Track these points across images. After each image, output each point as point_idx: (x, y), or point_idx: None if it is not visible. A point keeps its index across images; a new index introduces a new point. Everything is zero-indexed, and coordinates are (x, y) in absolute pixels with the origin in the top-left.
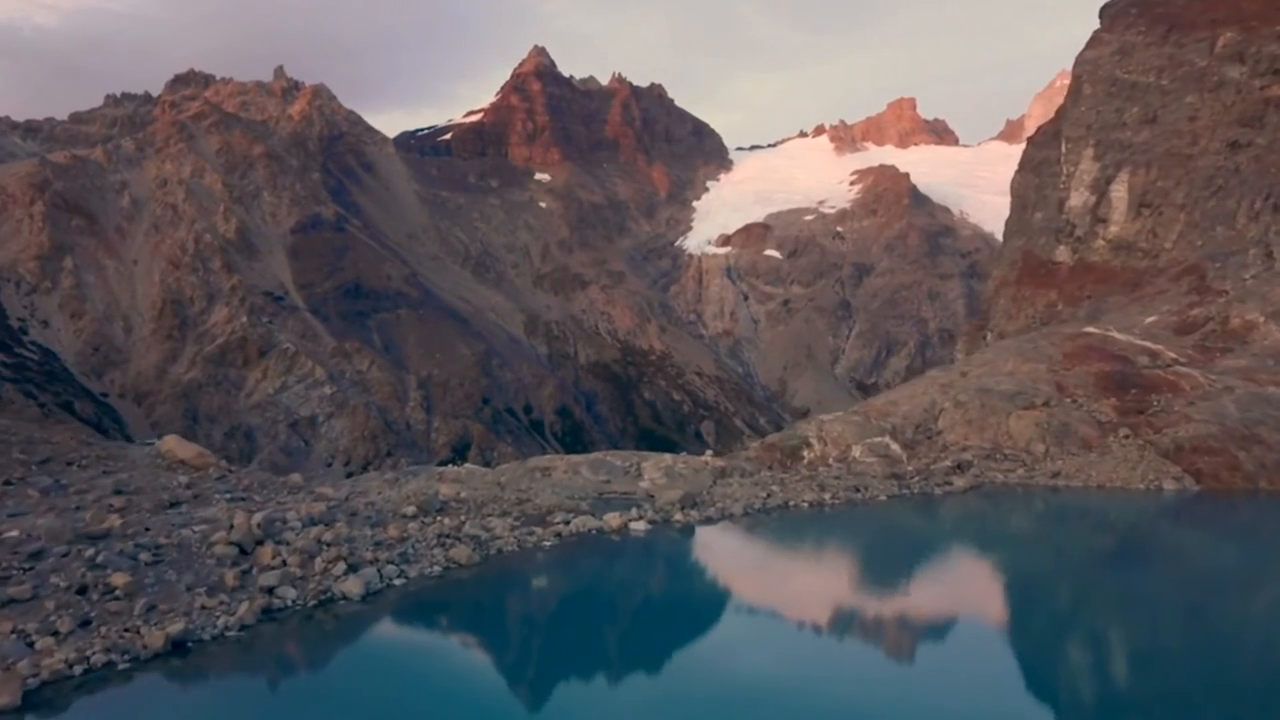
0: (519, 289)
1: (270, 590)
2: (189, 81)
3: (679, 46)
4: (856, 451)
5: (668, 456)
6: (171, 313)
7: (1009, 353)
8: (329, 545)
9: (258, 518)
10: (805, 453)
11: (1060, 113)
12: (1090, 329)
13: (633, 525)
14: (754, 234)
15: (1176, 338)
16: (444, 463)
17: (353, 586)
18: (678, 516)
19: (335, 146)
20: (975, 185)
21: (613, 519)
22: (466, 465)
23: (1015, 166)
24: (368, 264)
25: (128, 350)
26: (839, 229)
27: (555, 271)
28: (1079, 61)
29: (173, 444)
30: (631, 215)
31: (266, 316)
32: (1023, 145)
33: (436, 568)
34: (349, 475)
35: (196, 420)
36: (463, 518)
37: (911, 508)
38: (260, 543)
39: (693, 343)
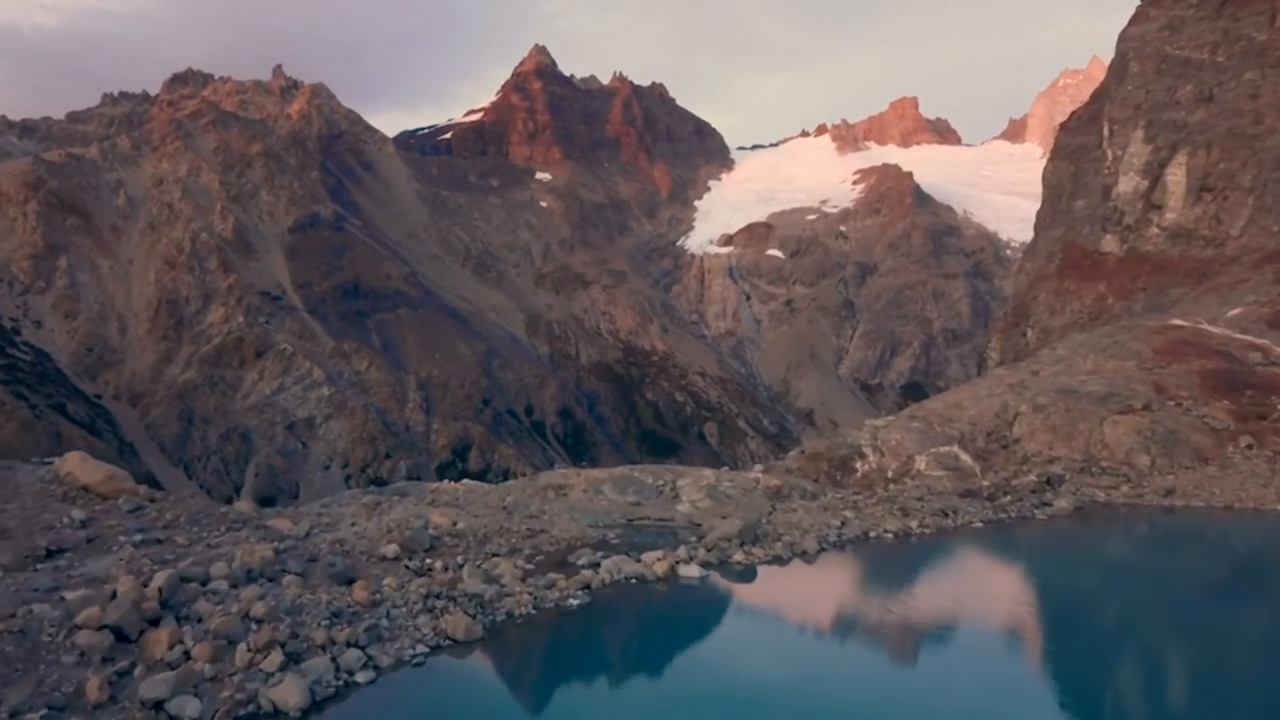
0: (520, 289)
1: (157, 707)
2: (187, 80)
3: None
4: (920, 463)
5: (708, 473)
6: (167, 313)
7: (1085, 348)
8: (261, 623)
9: (160, 578)
10: (858, 464)
11: (1099, 95)
12: (1178, 321)
13: (683, 570)
14: (756, 233)
15: (1272, 331)
16: (443, 466)
17: (290, 692)
18: (737, 556)
19: (334, 145)
20: (979, 185)
21: (655, 561)
22: (465, 481)
23: (1019, 166)
24: (367, 263)
25: (122, 351)
26: (842, 228)
27: (556, 271)
28: (1124, 38)
29: (74, 464)
30: (633, 214)
31: (264, 317)
32: (1025, 144)
33: (421, 649)
34: (347, 478)
35: (192, 422)
36: (460, 559)
37: (1016, 538)
38: (155, 622)
39: (695, 343)
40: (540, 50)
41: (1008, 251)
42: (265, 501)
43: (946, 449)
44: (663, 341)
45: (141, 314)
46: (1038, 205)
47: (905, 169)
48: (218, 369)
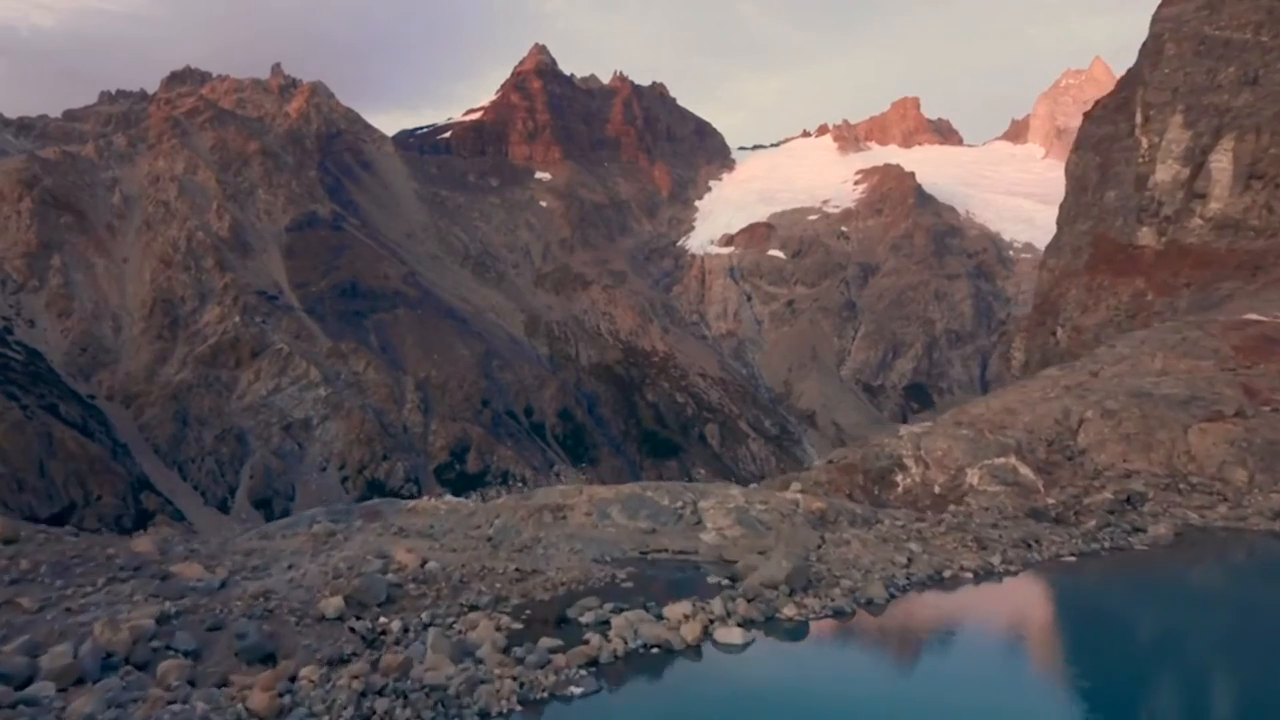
0: (519, 289)
1: None
2: (185, 79)
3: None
4: (973, 477)
5: (734, 491)
6: (162, 312)
7: (1150, 346)
8: None
9: None
10: (899, 478)
11: (1128, 80)
12: (1255, 316)
13: (720, 634)
14: (757, 234)
15: None
16: (442, 468)
17: None
18: (788, 610)
19: (333, 144)
20: (980, 185)
21: (683, 620)
22: (448, 498)
23: (1021, 166)
24: (365, 263)
25: (117, 351)
26: (843, 229)
27: (556, 271)
28: (1158, 19)
29: None
30: (633, 214)
31: (260, 316)
32: (1027, 144)
33: None
34: (344, 480)
35: (187, 423)
36: (425, 616)
37: (1124, 577)
38: None
39: (696, 344)
40: (540, 49)
41: (1010, 252)
42: (260, 504)
43: (1002, 460)
44: (663, 342)
45: (136, 313)
46: (1040, 206)
47: (907, 169)
48: (213, 369)
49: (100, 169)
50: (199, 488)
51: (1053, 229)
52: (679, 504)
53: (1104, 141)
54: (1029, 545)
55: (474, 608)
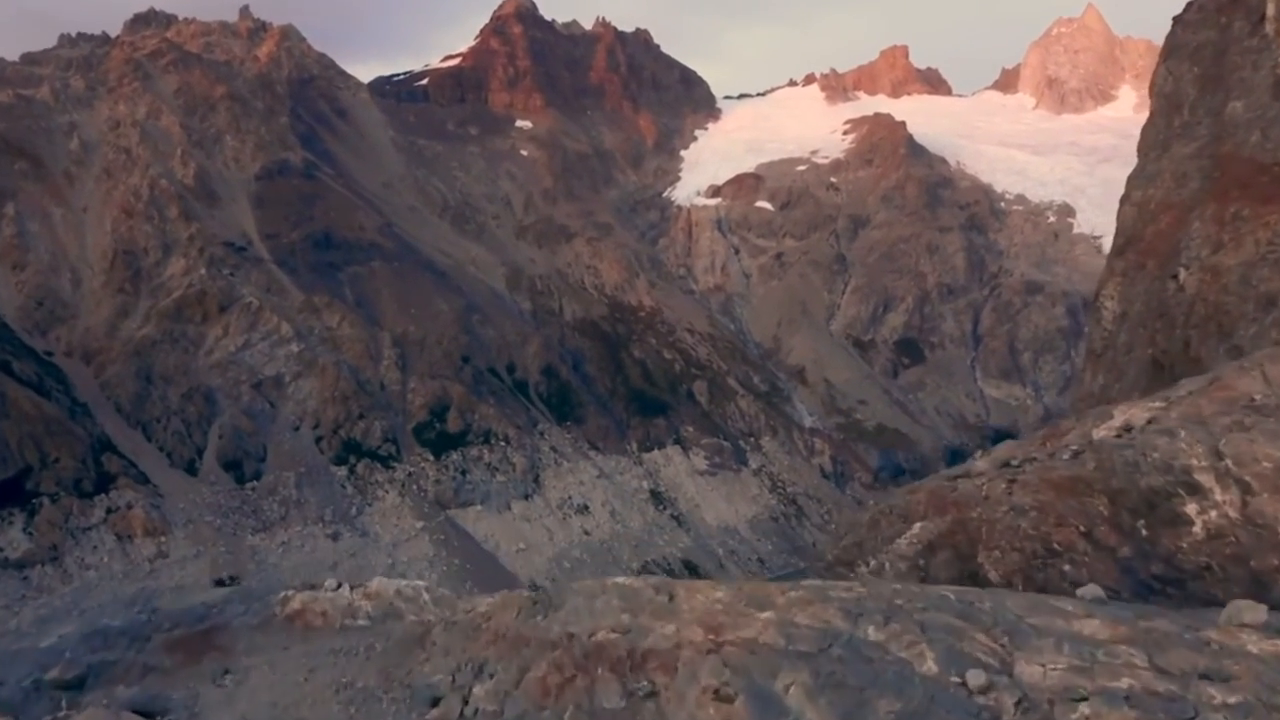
0: (501, 241)
1: None
2: (149, 22)
3: None
4: None
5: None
6: (124, 264)
7: None
8: None
9: None
10: (1189, 508)
11: None
12: None
13: None
14: (745, 185)
15: None
16: (420, 427)
17: None
18: None
19: (305, 91)
20: (972, 135)
21: None
22: (377, 582)
23: (1012, 117)
24: (339, 213)
25: (75, 305)
26: (833, 180)
27: (539, 223)
28: None
29: None
30: (618, 165)
31: (228, 269)
32: (1018, 94)
33: None
34: (318, 440)
35: (151, 381)
36: None
37: None
38: None
39: (683, 299)
40: None
41: (1002, 204)
42: (230, 466)
43: None
44: (650, 297)
45: (96, 265)
46: (1033, 157)
47: (897, 119)
48: (178, 324)
49: (57, 113)
50: (164, 449)
51: (1045, 181)
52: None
53: (1201, 50)
54: None
55: None
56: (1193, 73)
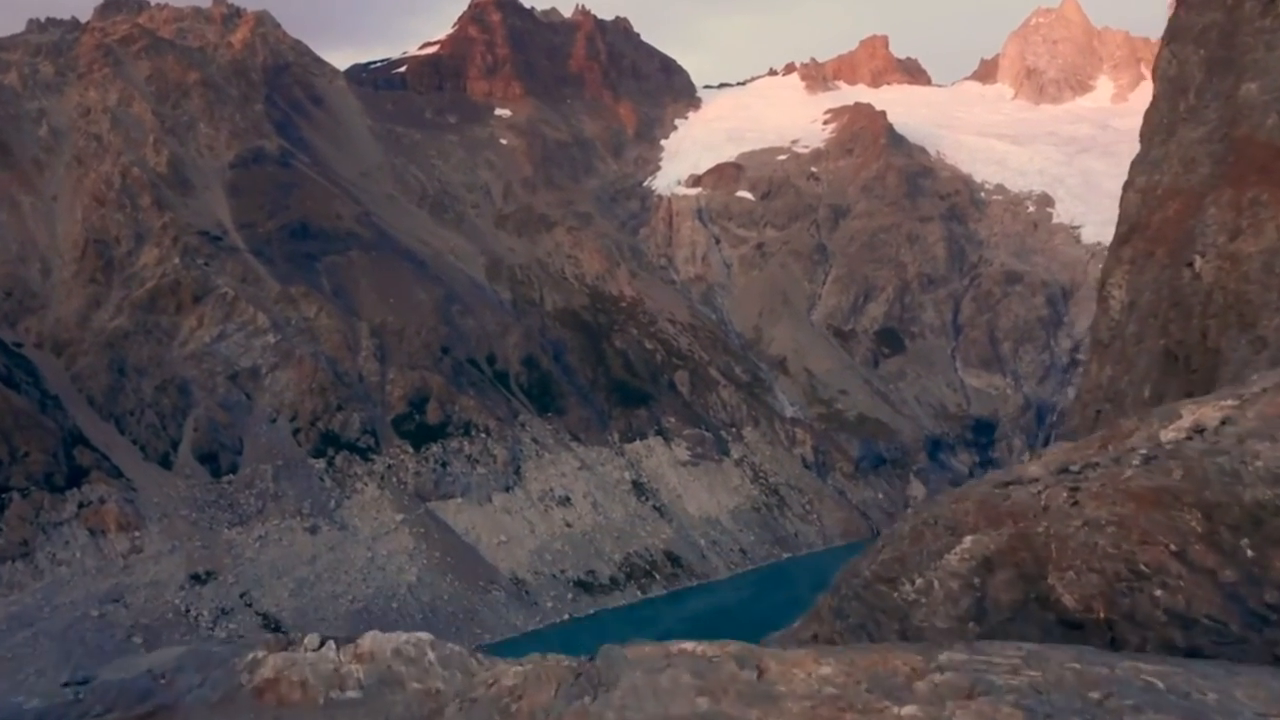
0: (480, 230)
1: None
2: (120, 7)
3: None
4: None
5: None
6: (95, 254)
7: None
8: None
9: None
10: None
11: None
12: None
13: None
14: (725, 174)
15: None
16: (400, 418)
17: None
18: None
19: (281, 78)
20: (952, 125)
21: None
22: (365, 642)
23: (991, 107)
24: (316, 202)
25: (45, 295)
26: (813, 169)
27: (519, 212)
28: None
29: None
30: (598, 154)
31: (202, 258)
32: (997, 85)
33: None
34: (296, 432)
35: (124, 373)
36: None
37: None
38: None
39: (664, 288)
40: None
41: (982, 194)
42: (205, 459)
43: None
44: (631, 287)
45: (67, 255)
46: (1012, 147)
47: (877, 109)
48: (152, 315)
49: (25, 99)
50: (138, 442)
51: (1024, 171)
52: None
53: (1210, 30)
54: None
55: None
56: (1199, 55)
